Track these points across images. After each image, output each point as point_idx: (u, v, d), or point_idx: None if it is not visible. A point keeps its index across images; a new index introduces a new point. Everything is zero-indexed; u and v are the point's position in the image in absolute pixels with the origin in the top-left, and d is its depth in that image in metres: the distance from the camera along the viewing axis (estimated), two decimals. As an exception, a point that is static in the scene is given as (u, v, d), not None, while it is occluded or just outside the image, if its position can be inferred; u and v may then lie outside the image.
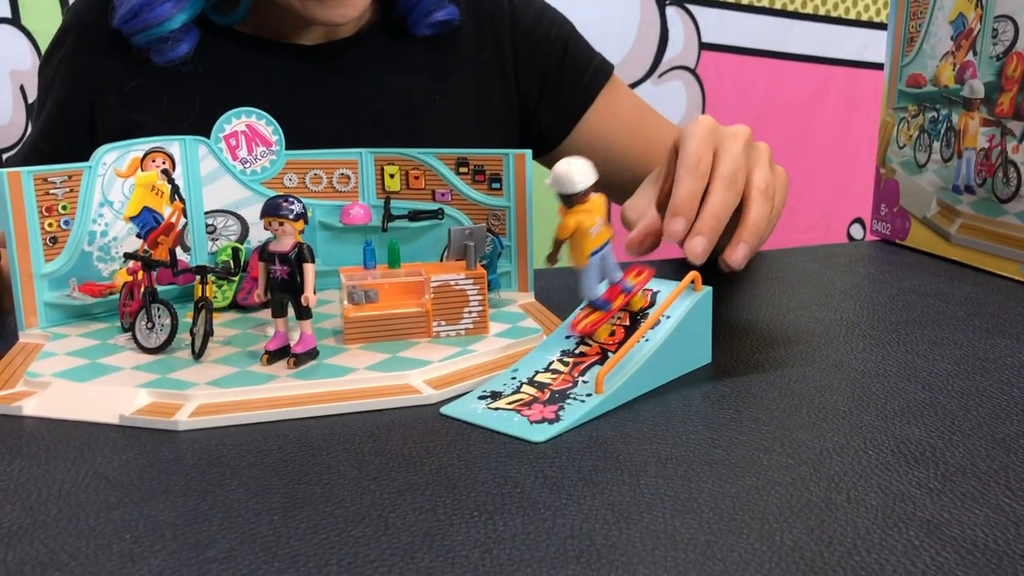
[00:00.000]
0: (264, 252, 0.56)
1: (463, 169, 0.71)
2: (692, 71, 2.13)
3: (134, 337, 0.59)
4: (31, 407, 0.52)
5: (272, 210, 0.54)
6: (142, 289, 0.60)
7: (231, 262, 0.66)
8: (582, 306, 0.56)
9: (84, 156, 0.66)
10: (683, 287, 0.55)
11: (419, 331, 0.60)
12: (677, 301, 0.55)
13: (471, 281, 0.60)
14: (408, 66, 0.92)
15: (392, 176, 0.73)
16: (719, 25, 2.14)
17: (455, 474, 0.44)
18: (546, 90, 0.97)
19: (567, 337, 0.56)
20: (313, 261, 0.55)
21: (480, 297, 0.60)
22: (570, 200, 0.50)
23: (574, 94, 0.98)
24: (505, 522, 0.39)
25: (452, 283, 0.60)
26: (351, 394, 0.52)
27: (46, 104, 0.90)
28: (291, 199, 0.55)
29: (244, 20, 0.88)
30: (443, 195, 0.72)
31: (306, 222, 0.55)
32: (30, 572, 0.36)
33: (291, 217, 0.54)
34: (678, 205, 0.57)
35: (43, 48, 1.56)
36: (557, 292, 0.72)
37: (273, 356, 0.56)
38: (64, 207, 0.64)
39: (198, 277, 0.58)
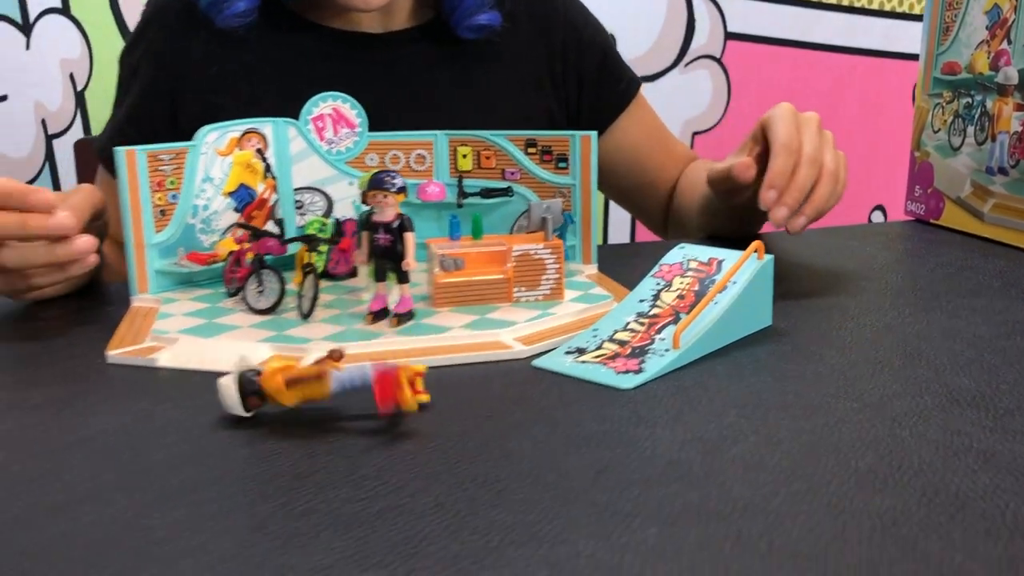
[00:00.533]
0: (368, 222, 0.61)
1: (532, 149, 0.77)
2: (718, 60, 2.18)
3: (244, 300, 0.65)
4: (164, 359, 0.58)
5: (377, 184, 0.60)
6: (250, 257, 0.66)
7: (335, 233, 0.71)
8: None
9: (166, 140, 0.71)
10: (747, 255, 0.61)
11: (500, 296, 0.66)
12: (742, 268, 0.61)
13: (549, 251, 0.66)
14: (464, 59, 0.97)
15: (465, 156, 0.78)
16: (745, 15, 2.19)
17: (557, 415, 0.49)
18: (584, 93, 1.03)
19: (640, 301, 0.62)
20: (413, 231, 0.61)
21: (557, 265, 0.66)
22: None
23: (610, 98, 1.04)
24: (611, 451, 0.44)
25: (532, 253, 0.66)
26: (452, 349, 0.58)
27: (129, 92, 0.96)
28: (393, 174, 0.60)
29: (307, 6, 0.94)
30: (512, 174, 0.78)
31: (405, 195, 0.61)
32: (206, 489, 0.41)
33: (393, 190, 0.60)
34: (774, 179, 0.68)
35: (92, 37, 1.62)
36: (617, 264, 0.78)
37: (376, 316, 0.61)
38: (172, 182, 0.70)
39: (305, 245, 0.64)
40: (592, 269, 0.76)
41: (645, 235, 2.07)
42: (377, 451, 0.45)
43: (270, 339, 0.59)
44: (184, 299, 0.69)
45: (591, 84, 1.03)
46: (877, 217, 2.29)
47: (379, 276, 0.62)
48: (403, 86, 0.95)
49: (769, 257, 0.62)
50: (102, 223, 0.75)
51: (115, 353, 0.58)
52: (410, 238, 0.60)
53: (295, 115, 0.75)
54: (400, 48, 0.96)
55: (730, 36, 2.19)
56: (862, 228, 0.96)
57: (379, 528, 0.38)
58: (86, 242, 0.64)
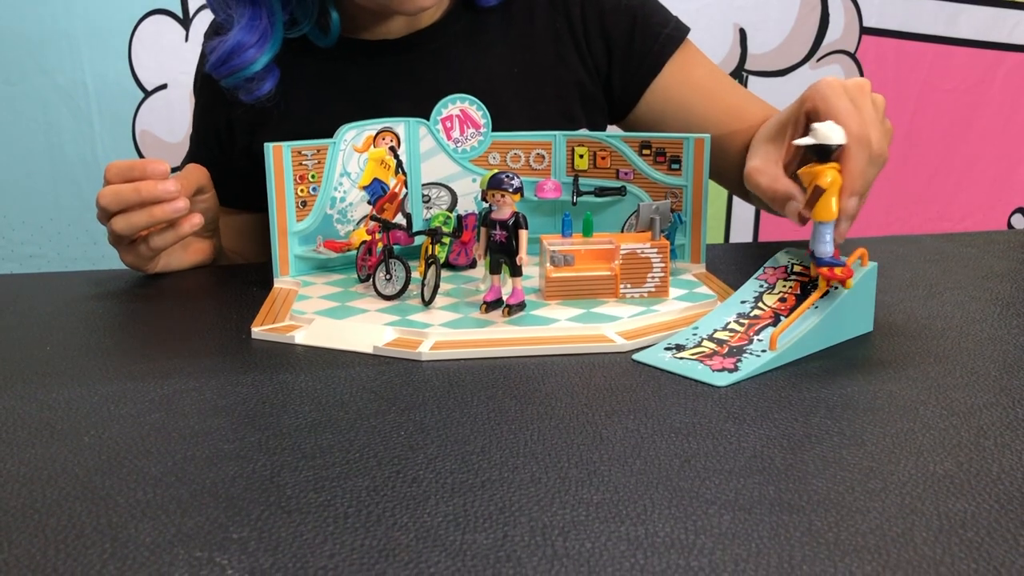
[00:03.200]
0: (486, 219, 0.66)
1: (646, 151, 0.80)
2: (852, 55, 2.13)
3: (373, 286, 0.71)
4: (301, 337, 0.64)
5: (496, 184, 0.65)
6: (380, 247, 0.72)
7: (457, 227, 0.77)
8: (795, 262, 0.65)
9: (225, 165, 0.78)
10: (851, 261, 0.62)
11: (607, 291, 0.69)
12: (844, 274, 0.62)
13: (655, 250, 0.69)
14: (488, 44, 0.96)
15: (581, 156, 0.82)
16: (882, 9, 2.13)
17: (651, 406, 0.53)
18: (614, 59, 0.99)
19: (742, 302, 0.64)
20: (527, 228, 0.65)
21: (663, 264, 0.69)
22: (827, 155, 0.58)
23: (644, 61, 0.99)
24: (697, 443, 0.48)
25: (639, 251, 0.69)
26: (557, 339, 0.62)
27: (196, 127, 1.06)
28: (511, 176, 0.65)
29: (348, 25, 0.95)
30: (626, 174, 0.81)
31: (521, 196, 0.65)
32: (332, 453, 0.47)
33: (511, 190, 0.64)
34: (857, 184, 0.61)
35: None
36: (724, 264, 0.80)
37: (490, 306, 0.66)
38: (312, 176, 0.77)
39: (429, 237, 0.69)
40: (700, 268, 0.79)
41: (769, 234, 2.05)
42: (482, 431, 0.50)
43: (394, 323, 0.65)
44: (320, 282, 0.75)
45: (621, 50, 0.99)
46: (1017, 220, 2.19)
47: (494, 269, 0.67)
48: (429, 84, 0.94)
49: (873, 264, 0.63)
50: (208, 196, 0.86)
51: (259, 330, 0.65)
52: (523, 235, 0.65)
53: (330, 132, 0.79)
54: (425, 44, 0.96)
55: (866, 31, 2.14)
56: (982, 236, 0.95)
57: (479, 497, 0.42)
58: (181, 203, 0.76)
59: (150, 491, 0.43)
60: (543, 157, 0.83)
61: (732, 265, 0.80)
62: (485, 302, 0.67)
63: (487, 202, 0.71)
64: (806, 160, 0.64)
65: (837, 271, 0.60)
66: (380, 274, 0.70)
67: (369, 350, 0.62)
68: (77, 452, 0.48)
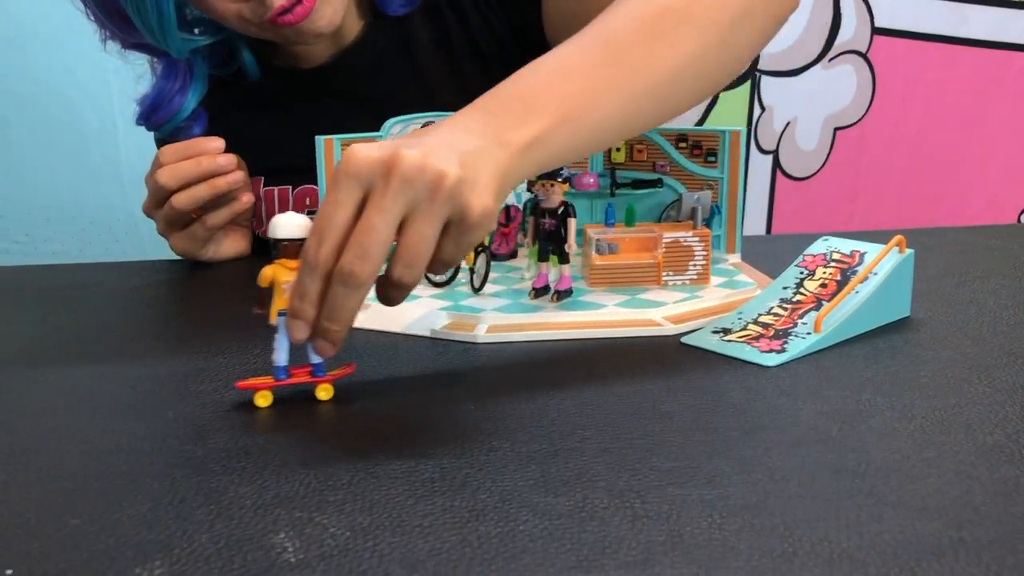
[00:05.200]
0: (535, 208, 0.68)
1: (682, 144, 0.82)
2: (863, 55, 2.15)
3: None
4: (358, 321, 0.66)
5: (546, 174, 0.67)
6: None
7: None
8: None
9: None
10: (889, 248, 0.65)
11: (650, 279, 0.72)
12: (884, 260, 0.65)
13: (697, 239, 0.72)
14: (417, 49, 0.95)
15: (618, 150, 0.85)
16: (893, 9, 2.15)
17: (705, 384, 0.55)
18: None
19: (784, 288, 0.67)
20: (576, 217, 0.67)
21: (704, 253, 0.72)
22: (275, 249, 0.51)
23: None
24: (756, 418, 0.50)
25: (681, 240, 0.71)
26: (608, 323, 0.64)
27: None
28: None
29: (276, 56, 0.96)
30: (662, 166, 0.83)
31: (570, 185, 0.68)
32: (408, 426, 0.49)
33: (560, 180, 0.67)
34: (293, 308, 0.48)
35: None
36: (757, 254, 0.82)
37: (538, 293, 0.69)
38: (360, 168, 0.79)
39: (477, 227, 0.72)
40: (736, 258, 0.81)
41: (780, 228, 2.07)
42: (548, 406, 0.52)
43: (447, 308, 0.67)
44: (368, 271, 0.78)
45: None
46: (1028, 219, 2.21)
47: (542, 256, 0.69)
48: (369, 97, 0.94)
49: (910, 251, 0.66)
50: (245, 176, 0.86)
51: (317, 314, 0.68)
52: (572, 223, 0.67)
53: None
54: (355, 58, 0.95)
55: (877, 31, 2.16)
56: (1007, 228, 0.97)
57: (555, 464, 0.45)
58: (240, 173, 0.79)
59: (242, 460, 0.46)
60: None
61: (761, 255, 0.82)
62: (534, 288, 0.69)
63: (533, 192, 0.73)
64: None
65: (253, 382, 0.52)
66: (430, 262, 0.73)
67: (426, 333, 0.64)
68: (165, 426, 0.50)
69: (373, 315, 0.67)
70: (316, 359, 0.52)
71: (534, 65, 0.56)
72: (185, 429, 0.50)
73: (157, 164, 0.80)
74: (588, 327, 0.64)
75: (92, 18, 0.88)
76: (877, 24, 2.17)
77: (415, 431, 0.49)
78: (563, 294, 0.68)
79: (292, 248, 0.50)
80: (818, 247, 0.69)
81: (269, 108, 0.97)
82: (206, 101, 0.93)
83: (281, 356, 0.52)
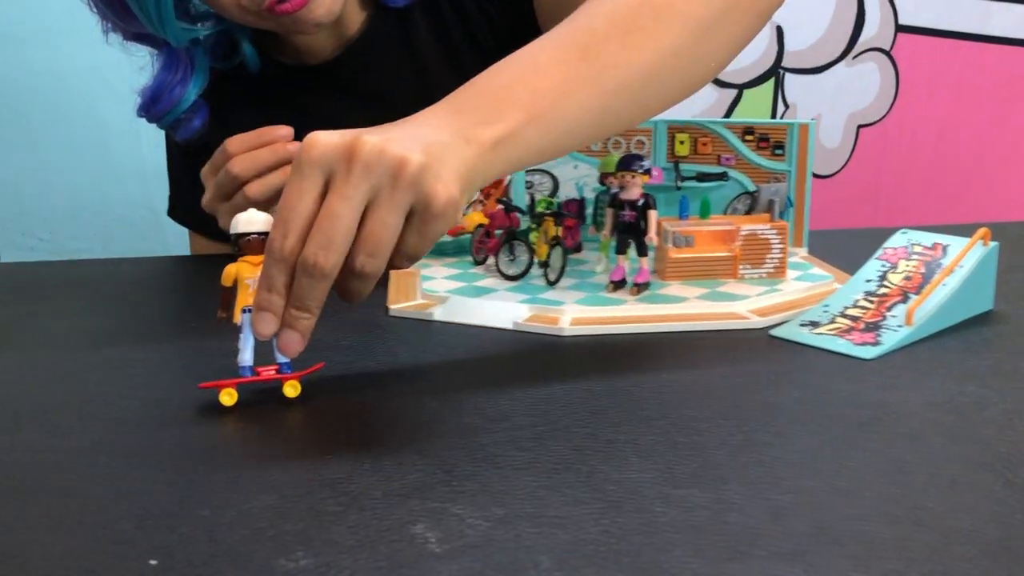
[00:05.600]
0: (614, 200, 0.68)
1: (748, 137, 0.82)
2: (887, 53, 2.15)
3: (496, 267, 0.72)
4: (439, 314, 0.66)
5: (626, 165, 0.67)
6: (501, 229, 0.73)
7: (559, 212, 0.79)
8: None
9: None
10: (975, 241, 0.64)
11: (726, 272, 0.71)
12: (970, 253, 0.64)
13: (774, 231, 0.71)
14: (419, 44, 0.94)
15: (682, 143, 0.84)
16: (917, 7, 2.15)
17: (806, 377, 0.55)
18: None
19: (867, 281, 0.66)
20: (656, 209, 0.67)
21: (781, 246, 0.71)
22: (235, 243, 0.49)
23: None
24: (866, 410, 0.49)
25: (758, 233, 0.71)
26: (693, 316, 0.64)
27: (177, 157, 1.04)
28: (640, 157, 0.67)
29: (281, 52, 0.94)
30: (727, 159, 0.83)
31: (649, 176, 0.67)
32: (517, 417, 0.49)
33: (640, 171, 0.66)
34: (260, 300, 0.46)
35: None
36: (827, 248, 0.82)
37: (616, 285, 0.68)
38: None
39: (551, 219, 0.71)
40: (803, 251, 0.80)
41: (820, 222, 2.07)
42: (652, 399, 0.51)
43: (526, 301, 0.66)
44: (436, 264, 0.77)
45: None
46: (1051, 216, 2.21)
47: (620, 249, 0.68)
48: (372, 96, 0.93)
49: (994, 244, 0.65)
50: None
51: (396, 307, 0.67)
52: (653, 215, 0.66)
53: None
54: (361, 60, 0.93)
55: (901, 28, 2.16)
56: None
57: (678, 456, 0.44)
58: None
59: (361, 451, 0.45)
60: (643, 143, 0.85)
61: (825, 249, 0.82)
62: (612, 281, 0.68)
63: (606, 184, 0.73)
64: None
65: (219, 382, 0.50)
66: (503, 255, 0.72)
67: (508, 325, 0.64)
68: (284, 423, 0.50)
69: (451, 308, 0.66)
70: (283, 359, 0.51)
71: (507, 60, 0.54)
72: (305, 426, 0.49)
73: (224, 155, 0.79)
74: (673, 320, 0.63)
75: (94, 9, 0.87)
76: (901, 21, 2.16)
77: (526, 422, 0.48)
78: (642, 287, 0.67)
79: (255, 243, 0.49)
80: (898, 240, 0.69)
81: (272, 103, 0.95)
82: (211, 95, 0.92)
83: (247, 355, 0.50)
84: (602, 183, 0.73)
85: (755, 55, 2.07)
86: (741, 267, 0.71)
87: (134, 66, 0.91)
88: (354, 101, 0.94)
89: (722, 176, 0.83)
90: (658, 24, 0.56)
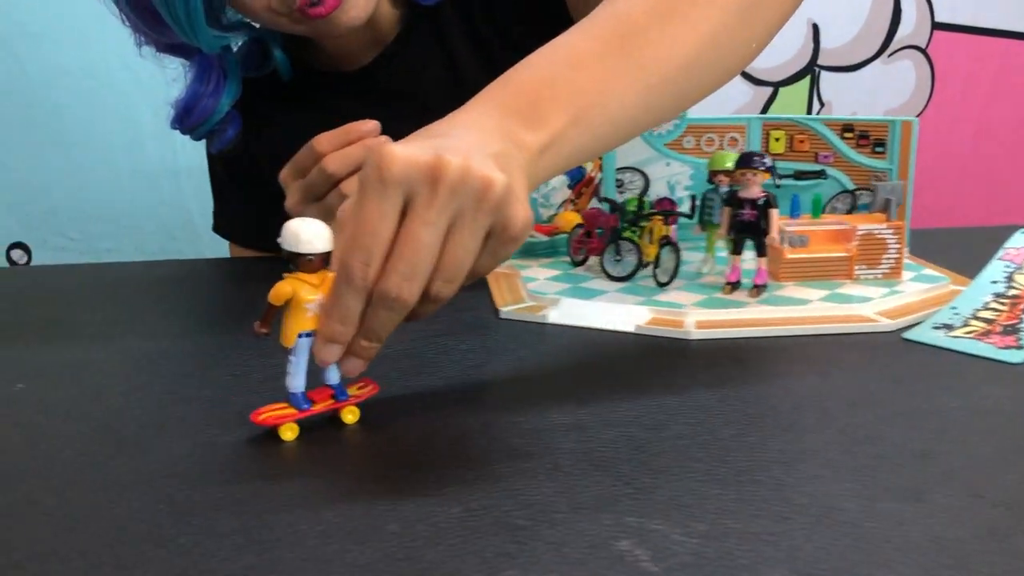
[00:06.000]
0: (732, 198, 0.66)
1: (848, 134, 0.80)
2: (923, 50, 2.13)
3: (602, 267, 0.70)
4: (554, 316, 0.64)
5: (746, 162, 0.64)
6: (603, 229, 0.71)
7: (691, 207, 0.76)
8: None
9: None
10: (1109, 240, 0.62)
11: (842, 273, 0.69)
12: (1106, 252, 0.62)
13: (891, 231, 0.69)
14: (448, 36, 0.92)
15: (777, 140, 0.82)
16: (953, 4, 2.13)
17: (953, 382, 0.52)
18: None
19: (993, 282, 0.64)
20: (777, 207, 0.65)
21: (898, 246, 0.69)
22: (292, 261, 0.44)
23: None
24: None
25: (875, 232, 0.69)
26: (821, 319, 0.61)
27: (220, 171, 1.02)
28: (761, 154, 0.64)
29: (314, 58, 0.92)
30: (825, 157, 0.81)
31: (770, 174, 0.65)
32: (668, 427, 0.47)
33: (762, 168, 0.64)
34: (326, 317, 0.43)
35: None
36: (930, 249, 0.79)
37: (732, 287, 0.66)
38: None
39: (660, 218, 0.69)
40: (905, 252, 0.78)
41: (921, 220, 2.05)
42: (799, 407, 0.49)
43: (644, 303, 0.64)
44: (534, 265, 0.75)
45: None
46: (1091, 216, 2.19)
47: (737, 249, 0.66)
48: (409, 99, 0.91)
49: None
50: None
51: (507, 310, 0.65)
52: (774, 214, 0.64)
53: None
54: (398, 63, 0.92)
55: (937, 26, 2.14)
56: None
57: (864, 467, 0.42)
58: None
59: (526, 459, 0.43)
60: (736, 140, 0.83)
61: (939, 250, 0.79)
62: (728, 282, 0.66)
63: (715, 183, 0.71)
64: None
65: (274, 414, 0.45)
66: (609, 255, 0.70)
67: (629, 328, 0.61)
68: (422, 432, 0.47)
69: (565, 310, 0.64)
70: (335, 380, 0.47)
71: (545, 52, 0.51)
72: (465, 425, 0.47)
73: (312, 155, 0.76)
74: (802, 323, 0.61)
75: (126, 22, 0.85)
76: (937, 19, 2.14)
77: (682, 431, 0.46)
78: (761, 288, 0.65)
79: (317, 262, 0.44)
80: (1019, 240, 0.67)
81: (308, 110, 0.94)
82: (247, 107, 0.90)
83: (300, 381, 0.45)
84: (711, 181, 0.71)
85: (790, 53, 2.05)
86: (857, 268, 0.69)
87: (169, 63, 0.89)
88: (390, 104, 0.92)
89: (820, 174, 0.81)
90: (696, 11, 0.53)
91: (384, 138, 0.77)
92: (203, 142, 1.02)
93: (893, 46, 2.12)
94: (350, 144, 0.75)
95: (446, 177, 0.41)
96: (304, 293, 0.44)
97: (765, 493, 0.40)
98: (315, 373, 0.46)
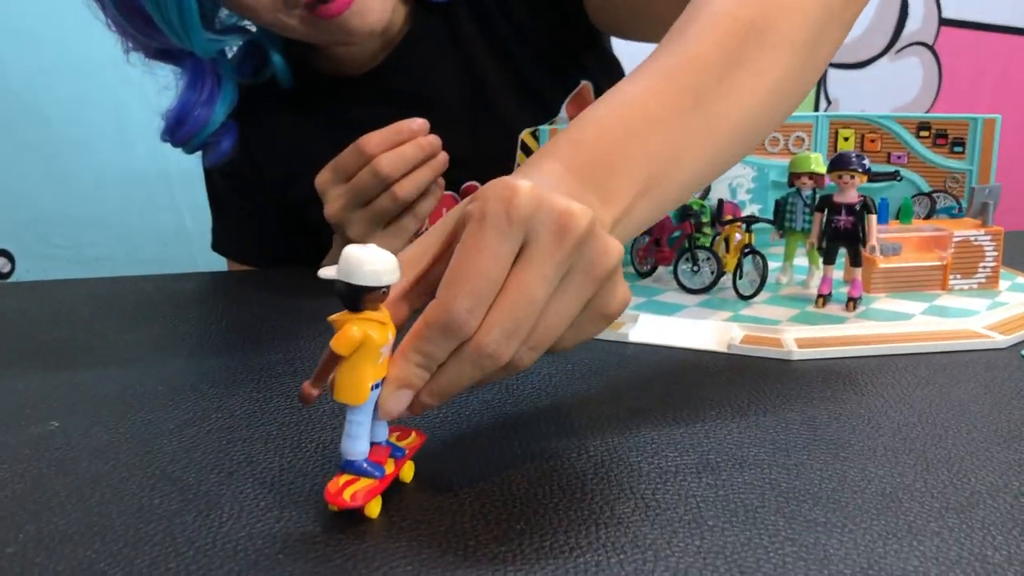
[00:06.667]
0: (826, 202, 0.60)
1: (924, 133, 0.75)
2: (930, 47, 2.10)
3: (676, 278, 0.65)
4: (635, 334, 0.58)
5: (844, 163, 0.59)
6: (675, 236, 0.65)
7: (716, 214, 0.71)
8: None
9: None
10: None
11: (935, 283, 0.64)
12: None
13: (989, 237, 0.64)
14: (460, 34, 0.88)
15: (846, 139, 0.77)
16: (960, 0, 2.11)
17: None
18: None
19: None
20: (877, 213, 0.59)
21: (995, 254, 0.64)
22: (357, 298, 0.35)
23: None
24: None
25: (972, 239, 0.64)
26: (931, 336, 0.56)
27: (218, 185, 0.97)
28: (859, 155, 0.59)
29: (317, 62, 0.88)
30: (899, 157, 0.76)
31: (868, 176, 0.60)
32: (778, 452, 0.41)
33: (860, 171, 0.59)
34: (407, 376, 0.37)
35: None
36: (1018, 255, 0.75)
37: (825, 299, 0.61)
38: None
39: (745, 226, 0.63)
40: (988, 258, 0.73)
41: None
42: (951, 434, 0.44)
43: (732, 318, 0.59)
44: (596, 277, 0.69)
45: None
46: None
47: (830, 259, 0.61)
48: (416, 100, 0.87)
49: None
50: None
51: (584, 328, 0.59)
52: (873, 220, 0.59)
53: None
54: (409, 63, 0.87)
55: (944, 22, 2.11)
56: None
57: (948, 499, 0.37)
58: (445, 153, 0.70)
59: (652, 510, 0.37)
60: (803, 140, 0.78)
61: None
62: (820, 295, 0.61)
63: (797, 186, 0.65)
64: None
65: (359, 489, 0.36)
66: (684, 266, 0.64)
67: (723, 348, 0.56)
68: (495, 476, 0.41)
69: (646, 327, 0.58)
70: (383, 436, 0.38)
71: (614, 103, 0.46)
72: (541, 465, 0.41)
73: (360, 156, 0.70)
74: (911, 340, 0.56)
75: (113, 27, 0.79)
76: (944, 15, 2.11)
77: (819, 473, 0.40)
78: (857, 301, 0.60)
79: (383, 295, 0.36)
80: None
81: (311, 117, 0.89)
82: (247, 116, 0.85)
83: (365, 444, 0.37)
84: (791, 184, 0.65)
85: (797, 50, 2.00)
86: (952, 277, 0.64)
87: (157, 70, 0.83)
88: (400, 107, 0.86)
89: (894, 176, 0.76)
90: (764, 55, 0.48)
91: (434, 135, 0.70)
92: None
93: (900, 43, 2.09)
94: (401, 144, 0.69)
95: (575, 230, 0.36)
96: (377, 336, 0.35)
97: (957, 551, 0.34)
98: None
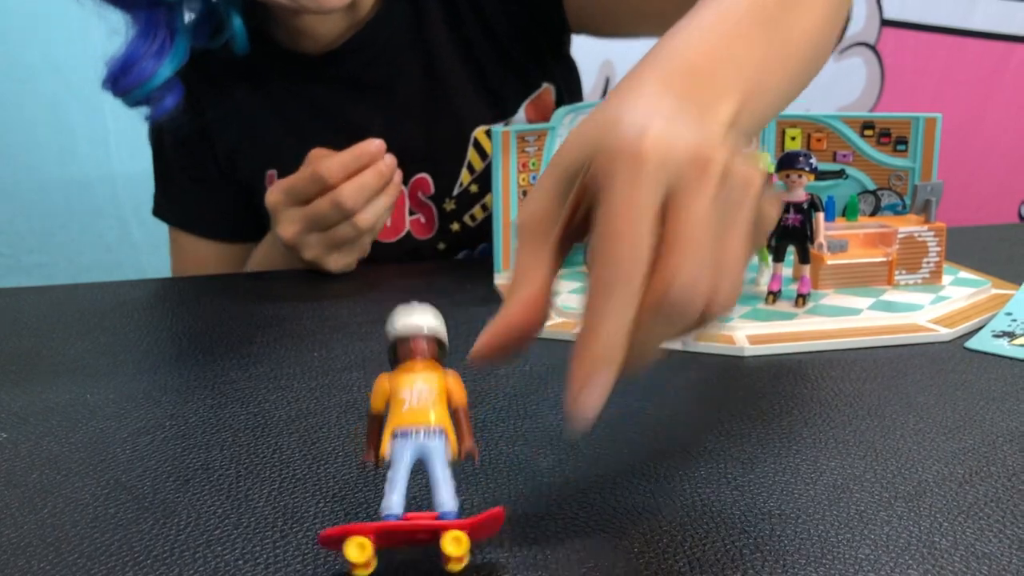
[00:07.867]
0: (774, 202, 0.61)
1: (868, 131, 0.76)
2: (872, 48, 2.14)
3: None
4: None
5: (789, 163, 0.60)
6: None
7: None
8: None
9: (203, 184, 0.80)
10: None
11: (881, 279, 0.65)
12: None
13: (932, 233, 0.65)
14: (426, 21, 0.88)
15: (793, 139, 0.78)
16: (902, 1, 2.15)
17: (1045, 396, 0.49)
18: None
19: None
20: (824, 211, 0.61)
21: (939, 249, 0.66)
22: (391, 356, 0.35)
23: None
24: None
25: (916, 235, 0.65)
26: (879, 331, 0.57)
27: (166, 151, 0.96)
28: (807, 154, 0.60)
29: (276, 33, 0.88)
30: (844, 156, 0.77)
31: (815, 176, 0.61)
32: (768, 443, 0.42)
33: (808, 169, 0.60)
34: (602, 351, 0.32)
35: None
36: (959, 250, 0.77)
37: (775, 296, 0.62)
38: (533, 164, 0.71)
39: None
40: (930, 254, 0.75)
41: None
42: (879, 431, 0.45)
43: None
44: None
45: None
46: (1032, 211, 2.23)
47: (779, 256, 0.62)
48: (380, 88, 0.88)
49: None
50: None
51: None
52: (821, 218, 0.60)
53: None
54: (372, 48, 0.87)
55: (885, 23, 2.16)
56: None
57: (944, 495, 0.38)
58: (399, 174, 0.71)
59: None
60: (751, 139, 0.79)
61: (968, 250, 0.77)
62: (771, 292, 0.62)
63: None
64: None
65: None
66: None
67: (676, 346, 0.56)
68: (574, 460, 0.42)
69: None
70: (452, 506, 0.33)
71: (700, 21, 0.44)
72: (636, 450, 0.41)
73: (318, 183, 0.68)
74: (860, 335, 0.57)
75: None
76: (885, 16, 2.16)
77: (822, 462, 0.41)
78: (806, 297, 0.61)
79: (415, 345, 0.35)
80: (1062, 240, 0.64)
81: (264, 90, 0.87)
82: (200, 80, 0.84)
83: (399, 497, 0.32)
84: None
85: (744, 51, 2.03)
86: (897, 273, 0.66)
87: (100, 65, 0.81)
88: (356, 91, 0.86)
89: (839, 174, 0.77)
90: None
91: (390, 154, 0.70)
92: (146, 140, 0.94)
93: (843, 43, 2.13)
94: (360, 170, 0.68)
95: (714, 167, 0.32)
96: (402, 382, 0.34)
97: (906, 538, 0.35)
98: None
